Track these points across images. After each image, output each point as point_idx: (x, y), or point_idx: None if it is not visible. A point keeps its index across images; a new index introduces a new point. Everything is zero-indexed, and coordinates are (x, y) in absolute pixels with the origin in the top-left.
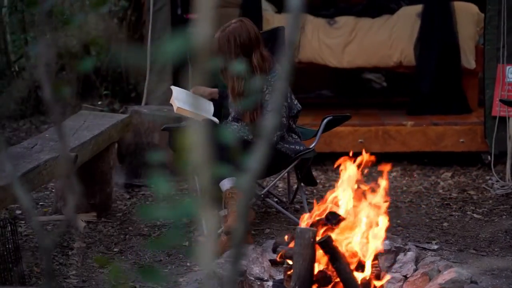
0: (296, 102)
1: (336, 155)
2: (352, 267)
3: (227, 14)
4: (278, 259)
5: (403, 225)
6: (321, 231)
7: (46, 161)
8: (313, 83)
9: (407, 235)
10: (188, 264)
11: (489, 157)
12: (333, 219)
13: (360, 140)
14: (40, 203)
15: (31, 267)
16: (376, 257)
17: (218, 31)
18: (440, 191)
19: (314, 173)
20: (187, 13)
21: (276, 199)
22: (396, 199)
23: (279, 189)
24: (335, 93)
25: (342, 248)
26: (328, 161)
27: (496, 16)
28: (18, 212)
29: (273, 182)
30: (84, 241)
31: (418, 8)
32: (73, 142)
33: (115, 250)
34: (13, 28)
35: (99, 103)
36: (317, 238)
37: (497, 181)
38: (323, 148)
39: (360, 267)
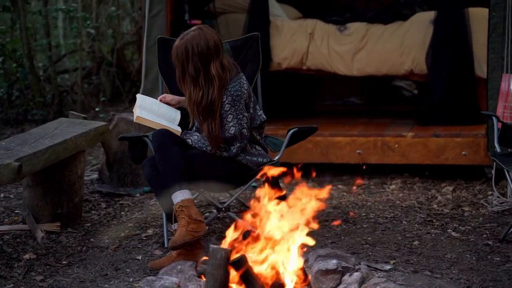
0: (260, 112)
1: (334, 166)
2: None
3: (235, 19)
4: (197, 277)
5: (371, 242)
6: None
7: None
8: (343, 90)
9: (369, 253)
10: (130, 280)
11: (492, 171)
12: (247, 236)
13: (358, 151)
14: (16, 211)
15: None
16: (305, 278)
17: (177, 39)
18: (435, 206)
19: (310, 185)
20: (191, 19)
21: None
22: (379, 214)
23: None
24: (364, 100)
25: (262, 269)
26: (326, 172)
27: (501, 23)
28: None
29: (235, 195)
30: (36, 253)
31: (431, 14)
32: (26, 151)
33: (63, 262)
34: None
35: (97, 109)
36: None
37: (498, 197)
38: (320, 158)
39: None
